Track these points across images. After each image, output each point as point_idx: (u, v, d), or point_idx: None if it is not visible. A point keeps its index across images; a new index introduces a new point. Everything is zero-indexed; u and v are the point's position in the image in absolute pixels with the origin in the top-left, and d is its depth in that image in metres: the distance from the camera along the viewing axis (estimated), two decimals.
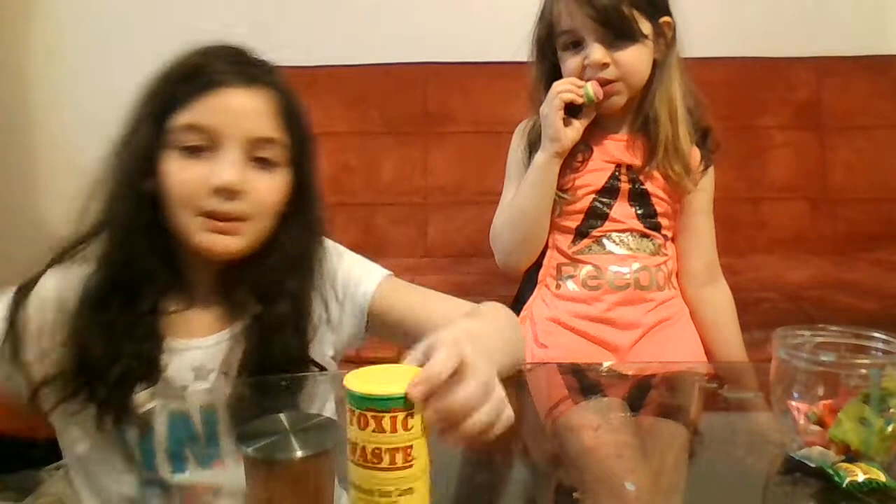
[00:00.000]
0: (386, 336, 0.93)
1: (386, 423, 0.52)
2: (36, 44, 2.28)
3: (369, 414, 0.52)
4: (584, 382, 1.02)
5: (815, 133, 2.06)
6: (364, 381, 0.54)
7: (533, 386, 1.00)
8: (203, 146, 0.79)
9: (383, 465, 0.52)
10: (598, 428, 0.82)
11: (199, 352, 0.84)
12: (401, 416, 0.52)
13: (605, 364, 1.10)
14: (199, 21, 2.11)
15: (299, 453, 0.53)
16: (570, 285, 1.22)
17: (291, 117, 0.84)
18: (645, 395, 1.00)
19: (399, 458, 0.52)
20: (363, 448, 0.52)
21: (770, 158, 2.05)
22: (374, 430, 0.52)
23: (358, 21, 2.20)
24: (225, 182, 0.78)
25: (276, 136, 0.82)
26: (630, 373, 1.10)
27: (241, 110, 0.81)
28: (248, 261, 0.84)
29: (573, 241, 1.23)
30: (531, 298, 1.25)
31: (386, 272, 0.93)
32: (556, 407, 0.92)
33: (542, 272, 1.25)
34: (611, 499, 0.67)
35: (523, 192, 1.21)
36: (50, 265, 0.83)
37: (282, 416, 0.57)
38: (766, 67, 2.09)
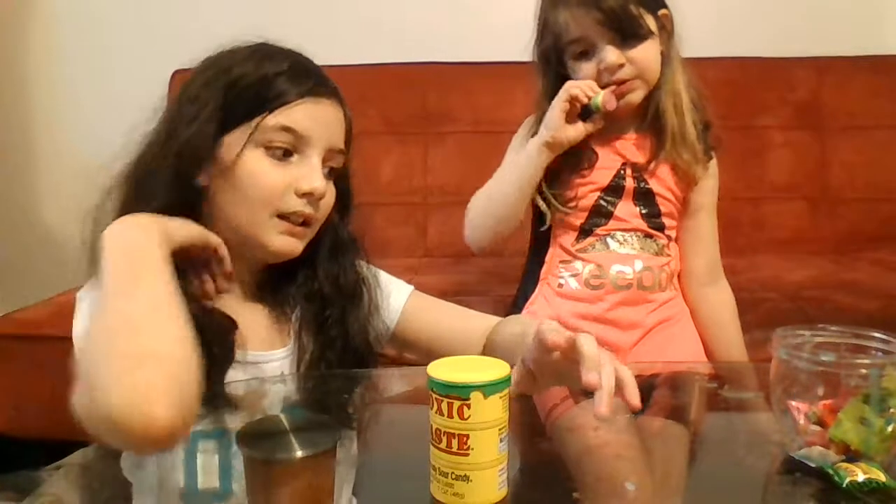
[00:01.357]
0: (405, 347, 0.97)
1: (444, 406, 0.57)
2: (36, 44, 2.28)
3: (433, 394, 0.58)
4: None
5: (815, 133, 2.06)
6: (440, 366, 0.60)
7: None
8: (288, 149, 0.82)
9: (441, 445, 0.58)
10: (598, 428, 0.82)
11: (276, 363, 0.87)
12: (456, 403, 0.57)
13: None
14: (199, 22, 2.12)
15: (299, 453, 0.53)
16: (573, 283, 1.22)
17: (350, 133, 0.89)
18: (646, 395, 1.00)
19: (455, 443, 0.57)
20: (430, 425, 0.59)
21: (770, 158, 2.05)
22: (435, 411, 0.58)
23: (358, 21, 2.21)
24: (316, 188, 0.82)
25: (345, 149, 0.88)
26: (631, 373, 1.10)
27: (330, 121, 0.85)
28: (292, 264, 0.88)
29: (577, 239, 1.22)
30: (533, 296, 1.25)
31: (412, 287, 0.98)
32: (556, 407, 0.92)
33: (544, 270, 1.25)
34: (611, 499, 0.67)
35: (505, 172, 1.21)
36: None
37: (282, 416, 0.58)
38: (766, 67, 2.09)
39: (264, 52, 0.85)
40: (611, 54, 1.14)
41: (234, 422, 0.77)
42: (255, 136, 0.81)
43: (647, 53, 1.15)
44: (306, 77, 0.84)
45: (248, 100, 0.82)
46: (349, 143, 0.89)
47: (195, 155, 0.81)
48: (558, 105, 1.15)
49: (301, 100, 0.82)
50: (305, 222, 0.84)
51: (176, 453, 0.74)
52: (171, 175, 0.81)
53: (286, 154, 0.82)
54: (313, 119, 0.83)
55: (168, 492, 0.75)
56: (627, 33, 1.14)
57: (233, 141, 0.81)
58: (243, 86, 0.82)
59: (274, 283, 0.90)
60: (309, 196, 0.82)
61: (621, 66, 1.14)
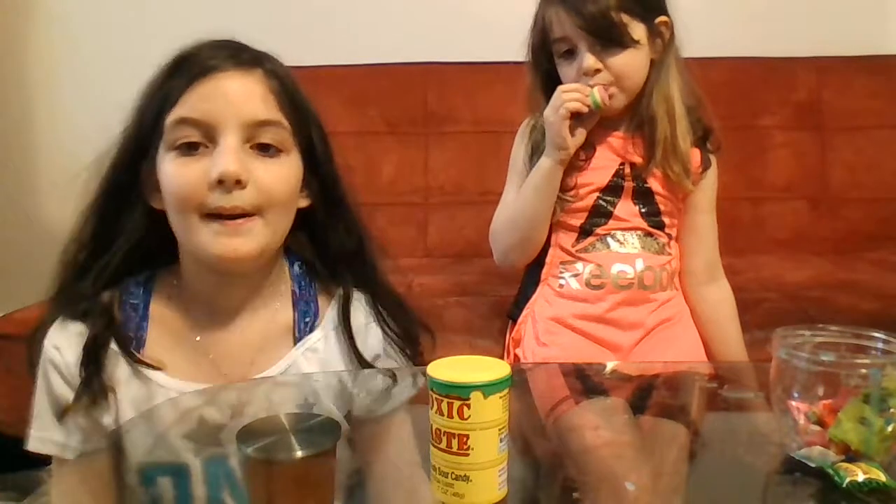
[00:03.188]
0: None
1: (444, 406, 0.57)
2: (36, 44, 2.27)
3: (433, 394, 0.58)
4: (587, 383, 1.02)
5: (815, 133, 2.05)
6: (440, 366, 0.60)
7: (534, 385, 1.00)
8: (199, 142, 0.73)
9: (441, 445, 0.58)
10: (598, 428, 0.82)
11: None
12: (456, 403, 0.57)
13: (609, 365, 1.10)
14: (200, 20, 2.11)
15: (299, 453, 0.53)
16: (573, 284, 1.22)
17: (291, 99, 0.79)
18: (646, 395, 1.00)
19: (455, 443, 0.57)
20: (431, 425, 0.59)
21: (770, 158, 2.04)
22: (436, 411, 0.58)
23: (358, 21, 2.20)
24: (223, 171, 0.71)
25: (276, 118, 0.76)
26: (632, 373, 1.10)
27: (233, 94, 0.74)
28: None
29: (577, 240, 1.23)
30: (533, 297, 1.25)
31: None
32: (557, 406, 0.92)
33: (544, 270, 1.25)
34: (611, 499, 0.67)
35: (525, 194, 1.22)
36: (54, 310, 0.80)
37: (282, 416, 0.57)
38: (766, 67, 2.09)
39: (183, 47, 0.78)
40: (588, 60, 1.15)
41: (189, 456, 0.71)
42: (163, 143, 0.75)
43: (626, 61, 1.15)
44: (202, 58, 0.76)
45: (156, 104, 0.76)
46: (294, 111, 0.78)
47: (124, 177, 0.78)
48: (561, 123, 1.15)
49: (193, 85, 0.73)
50: (244, 214, 0.73)
51: (135, 489, 0.69)
52: (121, 204, 0.78)
53: (193, 148, 0.73)
54: (211, 99, 0.73)
55: None
56: (607, 40, 1.14)
57: (158, 157, 0.76)
58: (151, 93, 0.77)
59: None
60: (222, 184, 0.71)
61: (598, 71, 1.15)
